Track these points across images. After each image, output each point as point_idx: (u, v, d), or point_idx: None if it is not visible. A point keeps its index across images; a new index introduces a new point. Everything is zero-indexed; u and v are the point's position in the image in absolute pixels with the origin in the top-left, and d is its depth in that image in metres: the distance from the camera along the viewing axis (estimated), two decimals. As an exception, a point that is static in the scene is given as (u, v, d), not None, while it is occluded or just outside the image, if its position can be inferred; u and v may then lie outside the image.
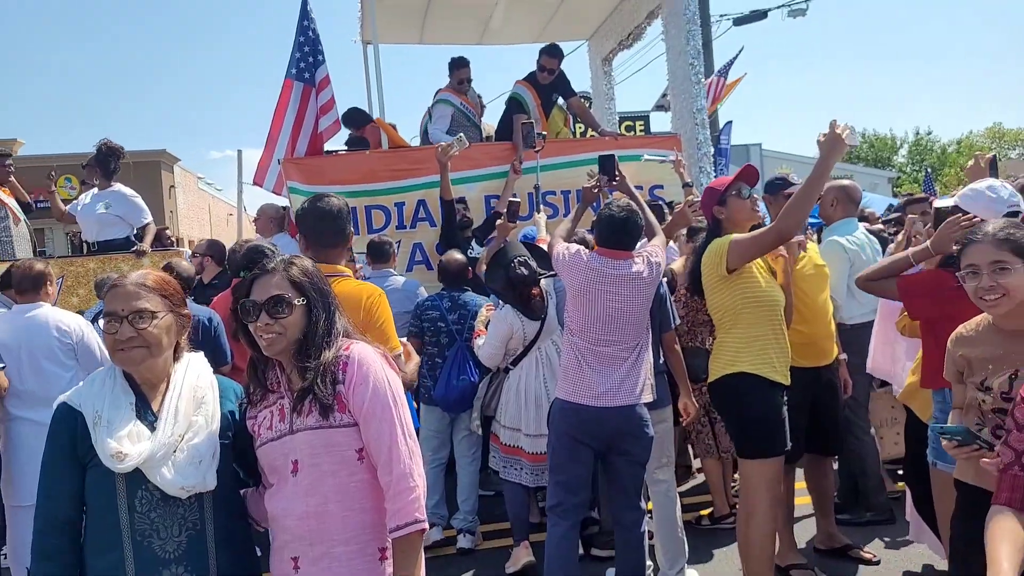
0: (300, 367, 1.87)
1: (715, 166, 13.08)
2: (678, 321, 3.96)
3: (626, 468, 3.27)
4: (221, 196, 32.41)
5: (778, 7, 15.60)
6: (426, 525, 1.85)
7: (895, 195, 30.50)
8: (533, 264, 3.93)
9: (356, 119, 6.66)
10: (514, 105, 6.47)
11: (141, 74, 71.87)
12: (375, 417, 1.85)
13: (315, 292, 1.92)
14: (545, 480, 3.68)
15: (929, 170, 30.81)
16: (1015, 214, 2.89)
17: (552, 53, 6.47)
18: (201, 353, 2.06)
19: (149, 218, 6.02)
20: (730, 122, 14.01)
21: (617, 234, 3.32)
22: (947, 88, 75.59)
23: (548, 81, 6.52)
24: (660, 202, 5.57)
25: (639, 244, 3.49)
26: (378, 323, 2.89)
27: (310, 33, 5.59)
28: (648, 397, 3.28)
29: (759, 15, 16.45)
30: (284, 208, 6.07)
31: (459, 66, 6.43)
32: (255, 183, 6.35)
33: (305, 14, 5.60)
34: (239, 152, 7.14)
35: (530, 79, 6.53)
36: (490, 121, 7.22)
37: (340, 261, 3.09)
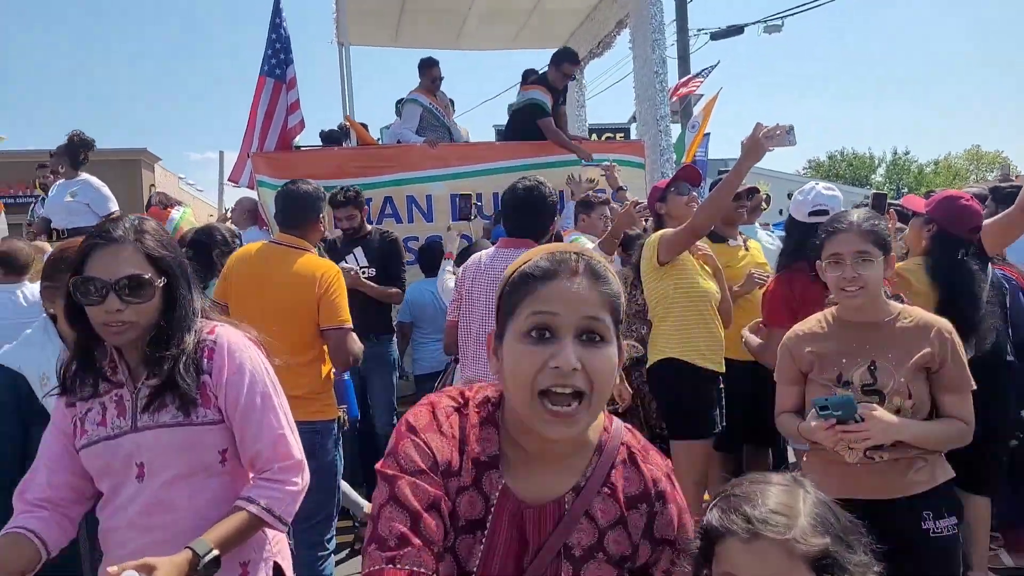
0: (154, 356, 1.57)
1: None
2: None
3: None
4: (202, 197, 32.28)
5: (754, 23, 15.89)
6: (284, 529, 1.67)
7: (871, 212, 30.96)
8: None
9: (332, 137, 6.82)
10: (537, 111, 6.22)
11: (125, 73, 71.70)
12: (255, 410, 1.63)
13: (176, 267, 1.63)
14: None
15: (904, 190, 31.40)
16: (821, 212, 3.15)
17: (575, 60, 6.46)
18: None
19: (115, 207, 6.06)
20: (708, 134, 14.23)
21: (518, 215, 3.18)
22: (925, 110, 76.90)
23: (563, 86, 6.51)
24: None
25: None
26: (332, 296, 3.07)
27: (281, 31, 5.72)
28: None
29: (736, 30, 16.74)
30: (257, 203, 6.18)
31: (429, 66, 6.54)
32: (230, 180, 6.47)
33: (277, 11, 5.72)
34: (220, 153, 7.21)
35: (543, 82, 6.38)
36: (462, 122, 7.34)
37: (308, 240, 3.25)
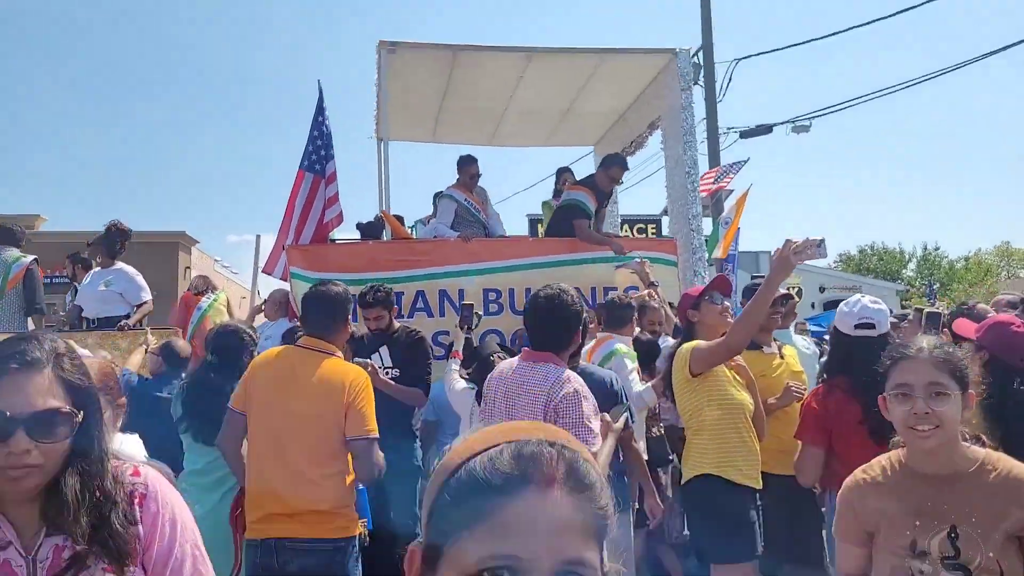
0: (62, 509, 1.28)
1: (722, 271, 13.36)
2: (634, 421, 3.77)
3: None
4: (236, 279, 32.96)
5: (783, 123, 16.16)
6: None
7: (903, 307, 30.62)
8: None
9: (369, 230, 6.95)
10: (576, 211, 6.28)
11: (166, 156, 74.89)
12: (185, 568, 1.42)
13: (92, 398, 1.37)
14: None
15: (936, 285, 31.02)
16: (867, 326, 3.01)
17: (625, 166, 6.55)
18: None
19: (148, 297, 6.12)
20: (739, 229, 14.30)
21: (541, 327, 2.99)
22: (955, 205, 76.93)
23: (610, 190, 6.60)
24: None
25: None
26: (360, 404, 2.98)
27: (324, 128, 5.89)
28: None
29: (764, 129, 17.02)
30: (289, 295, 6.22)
31: (467, 163, 6.66)
32: (265, 271, 6.55)
33: (320, 109, 5.91)
34: (257, 237, 7.30)
35: (589, 184, 6.44)
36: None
37: (335, 344, 3.21)
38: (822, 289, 27.61)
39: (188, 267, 26.60)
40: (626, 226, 21.95)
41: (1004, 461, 1.86)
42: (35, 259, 6.26)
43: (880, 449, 2.06)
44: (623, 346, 4.15)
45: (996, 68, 78.94)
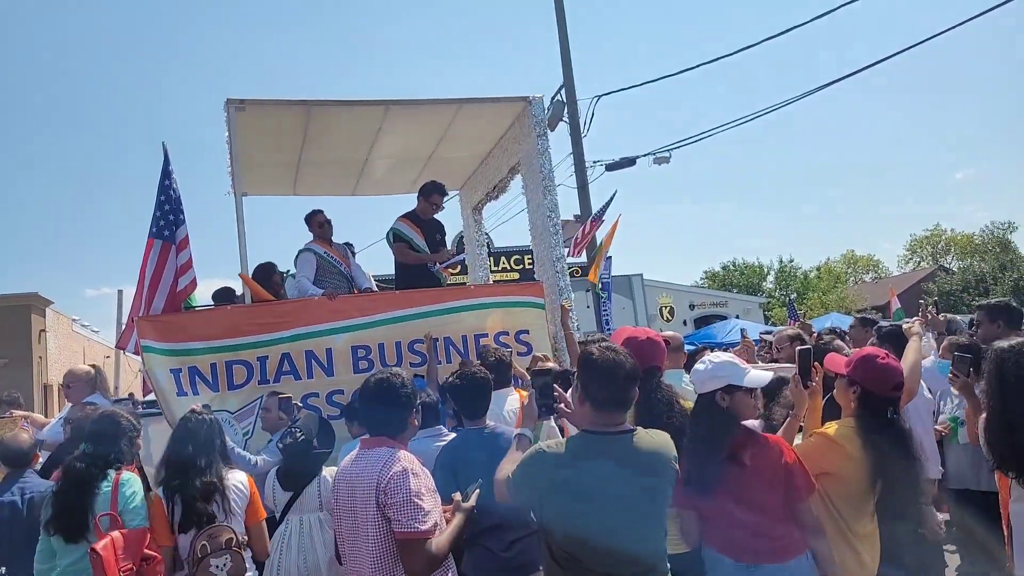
0: None
1: (597, 299, 13.85)
2: None
3: None
4: (97, 338, 30.71)
5: (645, 155, 16.97)
6: None
7: (766, 319, 32.61)
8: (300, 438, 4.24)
9: (223, 296, 6.78)
10: (395, 239, 6.91)
11: (8, 214, 69.16)
12: None
13: None
14: None
15: (793, 296, 33.30)
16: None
17: (441, 191, 7.01)
18: None
19: None
20: (609, 257, 14.84)
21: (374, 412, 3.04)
22: (805, 219, 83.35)
23: (430, 216, 7.00)
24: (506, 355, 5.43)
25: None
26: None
27: (172, 192, 5.62)
28: None
29: (628, 161, 17.78)
30: (93, 367, 5.96)
31: (312, 215, 6.81)
32: (118, 347, 6.14)
33: (167, 173, 5.63)
34: (119, 292, 6.95)
35: (409, 215, 7.01)
36: (366, 263, 7.37)
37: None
38: (692, 306, 28.98)
39: (43, 330, 24.52)
40: (503, 258, 22.42)
41: None
42: None
43: None
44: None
45: (844, 91, 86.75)
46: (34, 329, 23.09)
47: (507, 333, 6.37)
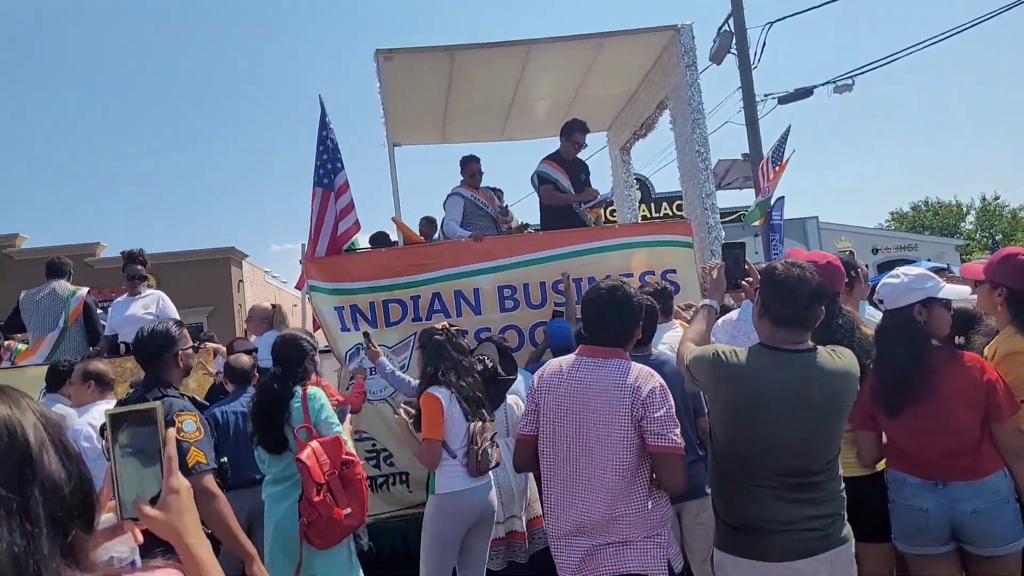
0: None
1: (768, 242, 12.99)
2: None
3: None
4: (286, 289, 33.75)
5: (823, 84, 15.61)
6: None
7: (963, 263, 29.42)
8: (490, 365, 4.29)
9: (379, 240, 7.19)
10: (540, 182, 6.82)
11: (199, 172, 77.17)
12: None
13: None
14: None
15: (999, 238, 29.68)
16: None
17: (583, 129, 6.84)
18: None
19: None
20: (782, 197, 13.88)
21: (601, 321, 2.86)
22: (1014, 151, 73.37)
23: (573, 156, 6.86)
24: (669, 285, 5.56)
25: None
26: None
27: (329, 142, 5.99)
28: None
29: (804, 92, 16.42)
30: (273, 307, 6.55)
31: (467, 163, 6.86)
32: (297, 287, 6.74)
33: (324, 124, 6.00)
34: (302, 246, 7.37)
35: (553, 156, 6.87)
36: (517, 208, 7.50)
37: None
38: (875, 250, 26.78)
39: (241, 280, 27.33)
40: (664, 203, 21.79)
41: None
42: (88, 290, 6.59)
43: None
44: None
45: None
46: (233, 280, 25.71)
47: (652, 273, 6.22)
